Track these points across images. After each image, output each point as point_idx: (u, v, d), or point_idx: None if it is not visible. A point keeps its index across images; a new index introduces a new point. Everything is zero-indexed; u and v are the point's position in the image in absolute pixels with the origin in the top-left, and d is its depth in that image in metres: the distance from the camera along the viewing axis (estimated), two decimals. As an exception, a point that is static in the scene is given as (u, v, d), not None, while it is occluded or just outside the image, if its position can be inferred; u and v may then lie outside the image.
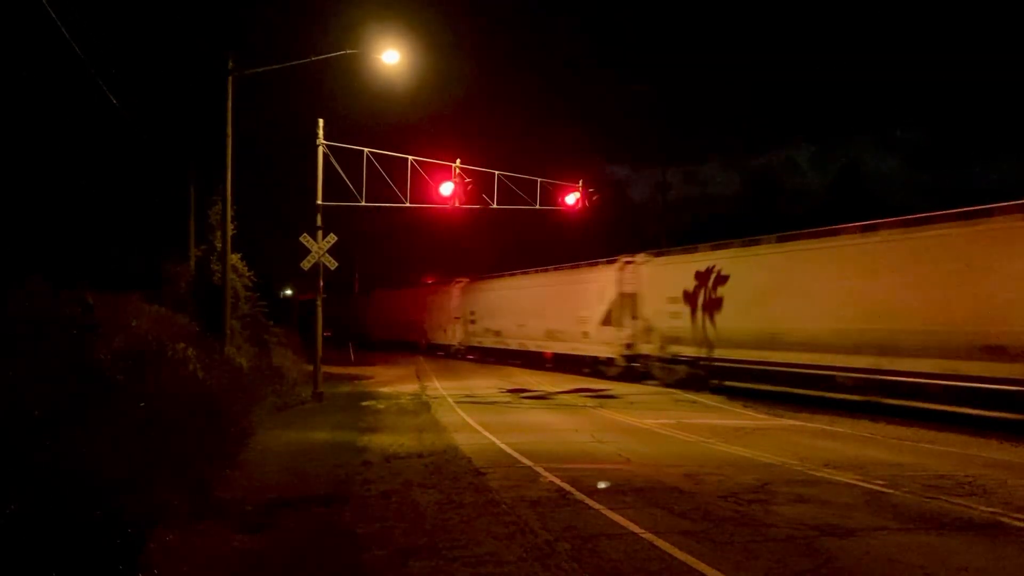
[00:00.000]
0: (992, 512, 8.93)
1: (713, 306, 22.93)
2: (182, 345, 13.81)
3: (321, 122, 21.09)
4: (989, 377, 15.10)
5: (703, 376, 23.23)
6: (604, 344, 28.43)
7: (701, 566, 6.88)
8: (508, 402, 21.49)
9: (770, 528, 8.17)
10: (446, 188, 21.69)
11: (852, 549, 7.46)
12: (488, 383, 27.14)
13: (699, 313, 23.41)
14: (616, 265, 28.32)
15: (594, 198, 23.84)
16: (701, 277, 23.42)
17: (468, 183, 21.96)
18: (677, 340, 24.53)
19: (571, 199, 23.62)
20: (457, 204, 21.96)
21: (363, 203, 21.59)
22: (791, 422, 17.37)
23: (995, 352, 15.01)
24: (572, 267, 32.46)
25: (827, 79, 66.89)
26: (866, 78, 69.08)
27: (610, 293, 28.11)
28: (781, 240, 21.25)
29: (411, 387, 25.48)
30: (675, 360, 24.67)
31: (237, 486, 10.13)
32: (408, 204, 22.00)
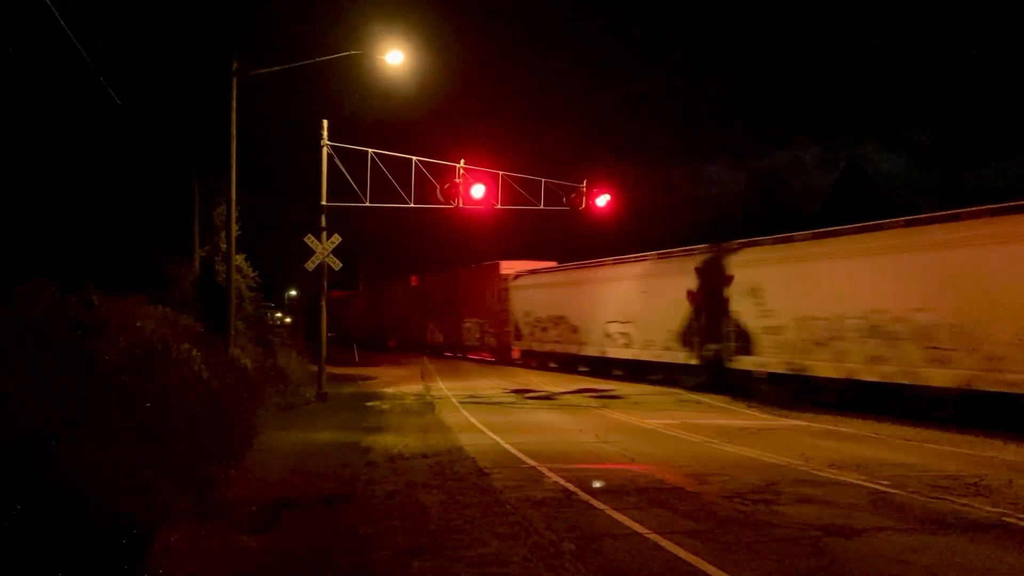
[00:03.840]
0: (998, 512, 8.91)
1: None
2: (186, 346, 13.81)
3: (325, 123, 21.14)
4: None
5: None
6: (682, 350, 24.18)
7: (706, 566, 6.86)
8: (512, 402, 21.49)
9: (775, 528, 8.16)
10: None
11: (857, 549, 7.44)
12: (492, 383, 27.15)
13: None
14: (698, 257, 24.12)
15: (608, 199, 23.74)
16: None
17: (471, 184, 21.93)
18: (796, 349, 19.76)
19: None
20: (461, 204, 21.96)
21: (367, 203, 21.61)
22: (796, 422, 17.34)
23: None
24: (636, 259, 27.81)
25: (833, 79, 66.85)
26: (872, 78, 69.00)
27: (691, 289, 24.00)
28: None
29: (415, 387, 25.50)
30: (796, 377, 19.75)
31: (242, 486, 10.15)
32: (412, 205, 22.01)
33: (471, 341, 40.83)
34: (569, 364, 31.44)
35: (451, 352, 44.02)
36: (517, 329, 35.56)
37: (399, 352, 48.56)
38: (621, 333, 27.53)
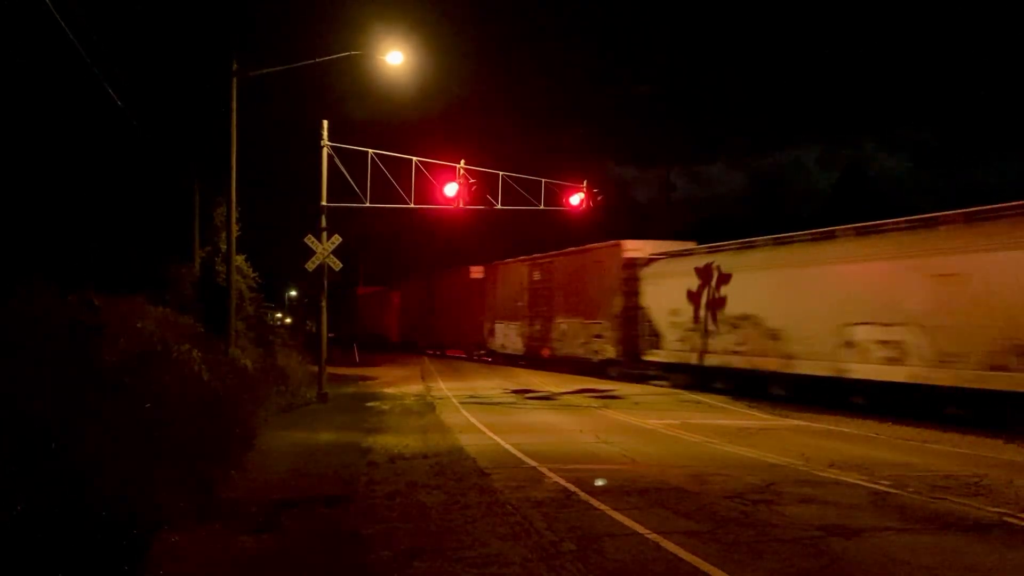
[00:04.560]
0: (999, 512, 8.91)
1: None
2: (187, 346, 13.81)
3: (325, 123, 21.17)
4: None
5: None
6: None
7: (707, 567, 6.86)
8: (513, 403, 21.49)
9: (776, 528, 8.15)
10: (450, 189, 21.70)
11: (858, 549, 7.44)
12: (492, 383, 27.15)
13: None
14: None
15: (598, 199, 23.79)
16: None
17: (472, 184, 21.96)
18: None
19: (575, 199, 23.58)
20: (461, 205, 21.97)
21: (368, 204, 21.62)
22: (796, 422, 17.33)
23: None
24: (917, 224, 18.03)
25: (834, 79, 66.84)
26: (873, 78, 68.99)
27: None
28: None
29: (415, 388, 25.50)
30: None
31: (242, 487, 10.15)
32: (412, 205, 22.02)
33: (569, 348, 31.11)
34: (755, 385, 21.80)
35: (529, 362, 34.39)
36: (655, 333, 25.84)
37: (403, 353, 47.92)
38: (882, 342, 17.75)
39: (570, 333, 31.31)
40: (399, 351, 49.18)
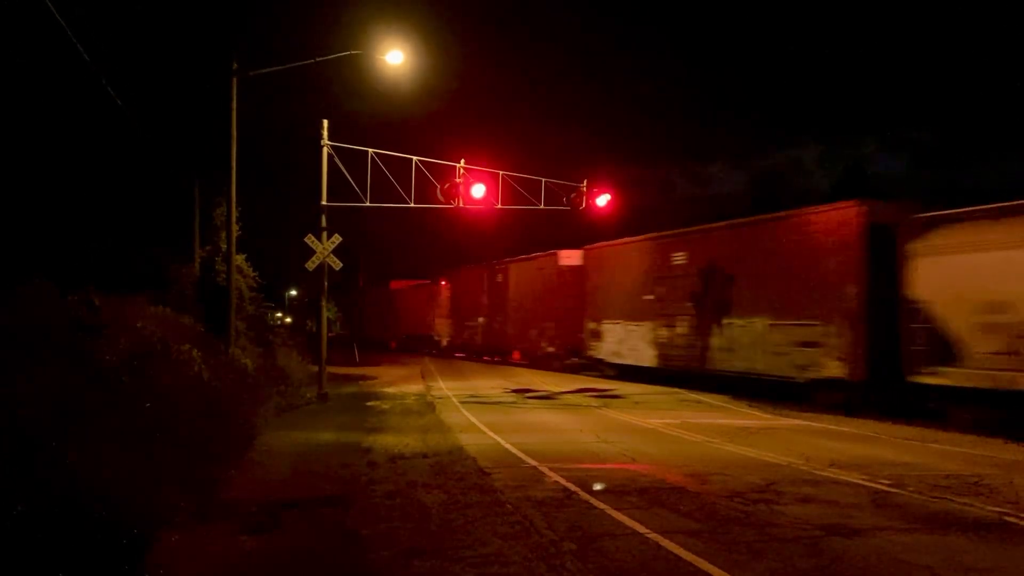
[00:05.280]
0: (999, 512, 8.91)
1: None
2: (187, 346, 13.82)
3: (326, 123, 21.15)
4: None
5: None
6: None
7: (707, 566, 6.86)
8: (513, 402, 21.49)
9: (776, 528, 8.16)
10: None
11: (858, 549, 7.44)
12: (492, 383, 27.15)
13: None
14: None
15: (609, 199, 23.67)
16: None
17: (471, 183, 21.91)
18: None
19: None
20: (461, 204, 21.93)
21: (368, 203, 21.60)
22: (796, 422, 17.33)
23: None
24: None
25: (834, 79, 66.85)
26: (872, 78, 69.01)
27: None
28: None
29: (416, 387, 25.50)
30: None
31: (242, 487, 10.15)
32: (412, 204, 22.00)
33: (747, 360, 21.92)
34: None
35: (665, 378, 25.50)
36: (941, 340, 16.26)
37: (403, 353, 47.75)
38: None
39: (746, 339, 21.90)
40: (446, 357, 43.37)
